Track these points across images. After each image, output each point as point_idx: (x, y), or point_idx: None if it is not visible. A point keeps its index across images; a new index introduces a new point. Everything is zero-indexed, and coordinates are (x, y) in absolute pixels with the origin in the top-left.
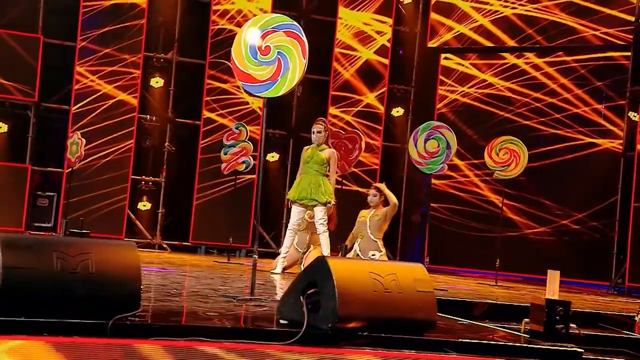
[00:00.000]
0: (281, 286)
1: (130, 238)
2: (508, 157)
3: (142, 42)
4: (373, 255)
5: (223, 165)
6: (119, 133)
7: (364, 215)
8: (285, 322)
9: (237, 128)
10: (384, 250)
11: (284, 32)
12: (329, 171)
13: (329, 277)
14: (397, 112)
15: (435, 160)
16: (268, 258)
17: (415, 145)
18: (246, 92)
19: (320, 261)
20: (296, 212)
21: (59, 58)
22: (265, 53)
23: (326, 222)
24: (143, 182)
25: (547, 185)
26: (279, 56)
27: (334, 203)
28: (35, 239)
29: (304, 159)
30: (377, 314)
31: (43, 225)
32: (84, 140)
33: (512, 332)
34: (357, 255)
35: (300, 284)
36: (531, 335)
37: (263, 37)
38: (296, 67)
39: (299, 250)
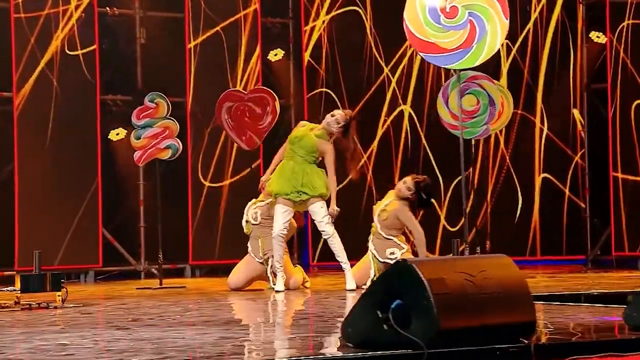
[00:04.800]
0: None
1: None
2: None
3: None
4: (392, 253)
5: (137, 155)
6: None
7: (382, 200)
8: None
9: (152, 101)
10: (406, 246)
11: None
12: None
13: None
14: (275, 55)
15: (475, 122)
16: (135, 278)
17: (447, 104)
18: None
19: None
20: (280, 212)
21: None
22: (452, 15)
23: (330, 220)
24: None
25: None
26: (470, 18)
27: (337, 210)
28: (436, 259)
29: (290, 138)
30: None
31: None
32: None
33: None
34: (374, 256)
35: None
36: None
37: None
38: (496, 29)
39: (257, 259)
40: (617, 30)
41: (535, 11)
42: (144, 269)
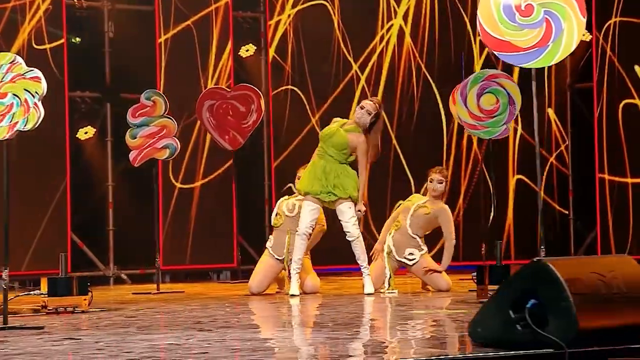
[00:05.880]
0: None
1: None
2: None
3: None
4: (411, 254)
5: (132, 155)
6: None
7: (412, 200)
8: None
9: (148, 98)
10: (425, 248)
11: None
12: (350, 160)
13: None
14: (247, 50)
15: (495, 121)
16: (104, 284)
17: (465, 103)
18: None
19: None
20: (308, 210)
21: None
22: (527, 13)
23: (357, 221)
24: None
25: None
26: (546, 16)
27: (363, 210)
28: (568, 259)
29: (321, 135)
30: None
31: None
32: None
33: None
34: (390, 252)
35: None
36: None
37: None
38: (573, 28)
39: (277, 257)
40: (604, 28)
41: None
42: (114, 275)
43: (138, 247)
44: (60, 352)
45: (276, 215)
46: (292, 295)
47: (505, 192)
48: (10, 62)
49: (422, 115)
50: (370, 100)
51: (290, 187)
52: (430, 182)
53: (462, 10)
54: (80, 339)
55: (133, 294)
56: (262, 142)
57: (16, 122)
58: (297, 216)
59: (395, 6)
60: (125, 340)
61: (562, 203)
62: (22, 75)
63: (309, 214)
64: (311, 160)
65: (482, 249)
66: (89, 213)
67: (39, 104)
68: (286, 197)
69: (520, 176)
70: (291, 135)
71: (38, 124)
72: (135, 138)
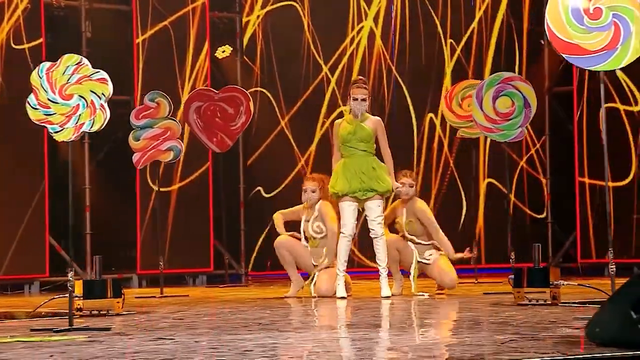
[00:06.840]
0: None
1: None
2: None
3: None
4: (431, 255)
5: (136, 157)
6: None
7: (399, 220)
8: None
9: (152, 100)
10: (441, 250)
11: None
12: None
13: None
14: (223, 52)
15: (510, 124)
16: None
17: (481, 106)
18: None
19: None
20: (350, 211)
21: None
22: (596, 17)
23: (384, 220)
24: None
25: None
26: (615, 19)
27: (399, 187)
28: None
29: (342, 138)
30: None
31: None
32: None
33: None
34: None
35: None
36: None
37: None
38: None
39: (312, 261)
40: None
41: (480, 9)
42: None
43: (115, 250)
44: (177, 351)
45: (307, 240)
46: (341, 298)
47: (476, 196)
48: (77, 64)
49: (393, 118)
50: (358, 87)
51: (259, 191)
52: (402, 185)
53: (432, 12)
54: (172, 338)
55: (136, 297)
56: (238, 146)
57: (82, 124)
58: (326, 235)
59: (366, 8)
60: (223, 340)
61: (535, 207)
62: (89, 76)
63: (352, 215)
64: (337, 164)
65: (474, 252)
66: (66, 216)
67: (106, 105)
68: (304, 218)
69: (490, 180)
70: (261, 137)
71: (104, 125)
72: (139, 140)
